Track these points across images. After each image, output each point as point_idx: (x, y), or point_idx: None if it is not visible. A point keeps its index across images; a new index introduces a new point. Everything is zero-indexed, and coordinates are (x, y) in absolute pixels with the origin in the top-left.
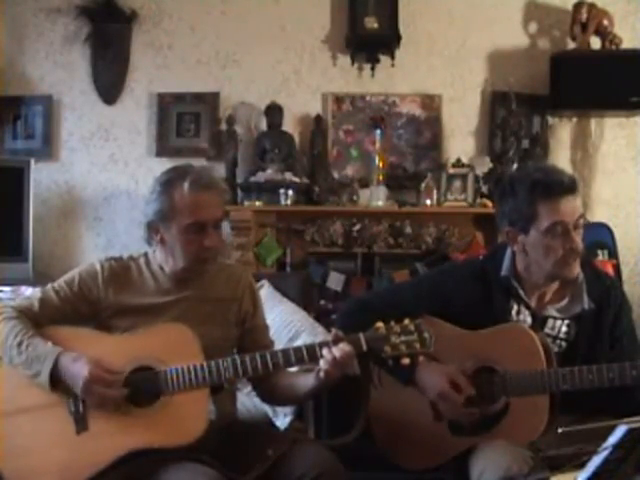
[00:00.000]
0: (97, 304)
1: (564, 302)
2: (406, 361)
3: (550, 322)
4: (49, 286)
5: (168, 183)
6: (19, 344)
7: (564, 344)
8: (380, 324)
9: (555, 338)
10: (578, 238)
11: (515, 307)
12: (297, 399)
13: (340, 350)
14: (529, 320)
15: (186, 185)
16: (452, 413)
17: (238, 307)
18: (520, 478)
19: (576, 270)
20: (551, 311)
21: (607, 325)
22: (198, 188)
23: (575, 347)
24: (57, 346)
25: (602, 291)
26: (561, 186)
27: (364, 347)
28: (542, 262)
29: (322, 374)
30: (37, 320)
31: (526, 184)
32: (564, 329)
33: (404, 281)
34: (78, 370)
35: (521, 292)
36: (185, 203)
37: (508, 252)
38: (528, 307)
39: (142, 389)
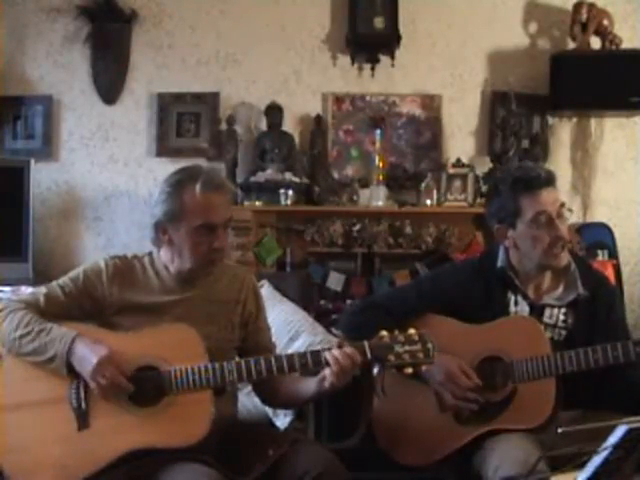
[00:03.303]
0: (101, 301)
1: (559, 290)
2: (409, 370)
3: (548, 311)
4: (54, 283)
5: (179, 184)
6: (29, 332)
7: (564, 332)
8: (384, 333)
9: (554, 327)
10: (563, 226)
11: (513, 298)
12: (298, 403)
13: (345, 356)
14: (527, 310)
15: (198, 186)
16: (457, 397)
17: (242, 309)
18: (520, 478)
19: (564, 259)
20: (548, 300)
21: (603, 312)
22: (209, 189)
23: (574, 335)
24: (71, 329)
25: (595, 280)
26: (539, 179)
27: (369, 355)
28: (532, 253)
29: (327, 384)
30: (42, 315)
31: (508, 182)
32: (562, 317)
33: (406, 283)
34: (97, 349)
35: (517, 282)
36: (196, 204)
37: (502, 247)
38: (525, 297)
39: (146, 388)
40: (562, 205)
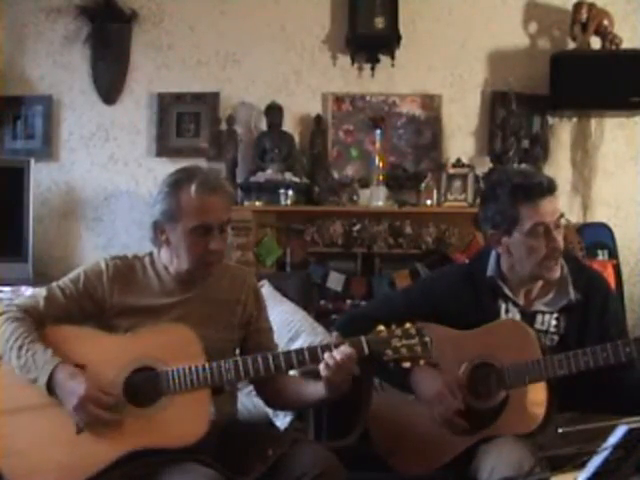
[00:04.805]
0: (102, 303)
1: (550, 296)
2: (407, 364)
3: (539, 317)
4: (54, 284)
5: (175, 184)
6: (20, 347)
7: (555, 338)
8: (381, 327)
9: (546, 333)
10: (559, 237)
11: (503, 306)
12: (303, 406)
13: (341, 353)
14: (518, 317)
15: (193, 187)
16: (444, 417)
17: (242, 309)
18: (519, 478)
19: (557, 272)
20: (539, 306)
21: (595, 314)
22: (205, 191)
23: (566, 340)
24: (56, 357)
25: (587, 281)
26: (541, 188)
27: (366, 350)
28: (524, 262)
29: (324, 380)
30: (42, 319)
31: (507, 188)
32: (553, 322)
33: (395, 291)
34: (74, 387)
35: (507, 291)
36: (192, 205)
37: (493, 254)
38: (516, 304)
39: (143, 389)
40: (561, 216)
